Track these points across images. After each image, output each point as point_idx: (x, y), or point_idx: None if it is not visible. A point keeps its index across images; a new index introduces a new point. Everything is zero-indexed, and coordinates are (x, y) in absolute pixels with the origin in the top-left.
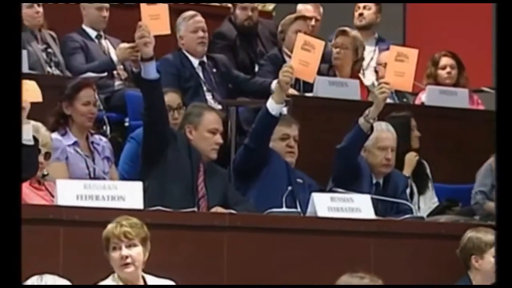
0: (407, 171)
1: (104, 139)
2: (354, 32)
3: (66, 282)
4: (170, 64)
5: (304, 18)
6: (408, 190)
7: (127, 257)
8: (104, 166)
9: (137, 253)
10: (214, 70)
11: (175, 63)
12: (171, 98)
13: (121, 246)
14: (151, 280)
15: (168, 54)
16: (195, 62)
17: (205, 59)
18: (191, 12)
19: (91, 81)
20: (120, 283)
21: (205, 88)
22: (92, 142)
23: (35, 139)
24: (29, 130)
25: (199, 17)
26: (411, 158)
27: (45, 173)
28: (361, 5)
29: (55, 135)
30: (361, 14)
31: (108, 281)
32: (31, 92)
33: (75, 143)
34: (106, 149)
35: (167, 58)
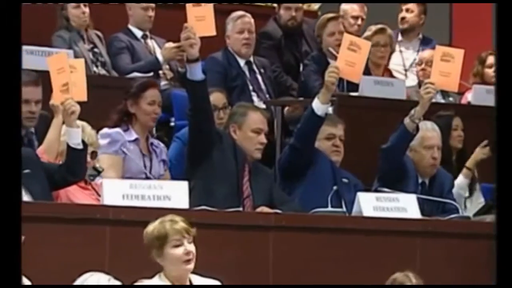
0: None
1: (161, 144)
2: (389, 30)
3: (116, 281)
4: (217, 62)
5: (336, 18)
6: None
7: (190, 252)
8: (160, 168)
9: (194, 249)
10: (262, 70)
11: (222, 62)
12: (217, 97)
13: (184, 242)
14: (197, 279)
15: (215, 53)
16: (241, 61)
17: (251, 59)
18: (240, 13)
19: (156, 81)
20: (167, 282)
21: (251, 88)
22: (151, 144)
23: (84, 143)
24: (78, 134)
25: (247, 18)
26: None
27: (100, 169)
28: (404, 7)
29: (117, 129)
30: (403, 18)
31: (155, 280)
32: (76, 91)
33: (136, 140)
34: (163, 152)
35: (214, 56)
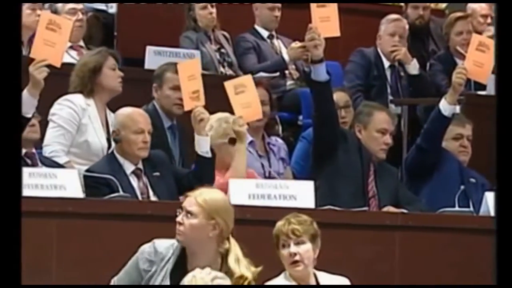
0: None
1: (280, 140)
2: None
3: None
4: (364, 57)
5: (465, 17)
6: None
7: (295, 254)
8: (279, 167)
9: (306, 250)
10: (403, 74)
11: (368, 59)
12: (339, 96)
13: (290, 244)
14: (324, 277)
15: (365, 48)
16: (386, 63)
17: (396, 64)
18: (395, 16)
19: (262, 80)
20: (292, 281)
21: (389, 91)
22: (268, 143)
23: (213, 151)
24: (207, 142)
25: (402, 23)
26: None
27: None
28: None
29: None
30: None
31: (280, 279)
32: (251, 111)
33: (251, 143)
34: (281, 150)
35: (362, 50)
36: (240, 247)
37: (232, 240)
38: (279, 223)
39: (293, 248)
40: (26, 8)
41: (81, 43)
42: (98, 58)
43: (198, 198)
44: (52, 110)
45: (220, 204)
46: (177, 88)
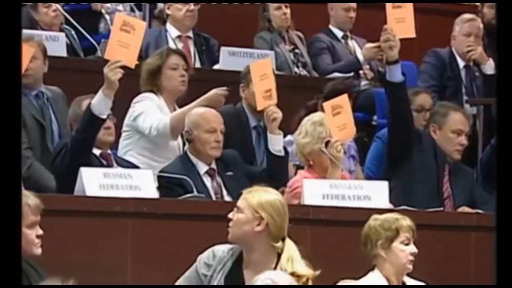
0: None
1: None
2: None
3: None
4: (439, 58)
5: None
6: None
7: (414, 254)
8: (350, 164)
9: None
10: (477, 74)
11: (443, 59)
12: (424, 99)
13: (411, 242)
14: (408, 280)
15: (439, 49)
16: (461, 63)
17: (471, 64)
18: (469, 16)
19: (349, 84)
20: (382, 279)
21: (464, 91)
22: None
23: (286, 150)
24: (280, 141)
25: (477, 22)
26: None
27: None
28: None
29: None
30: None
31: (369, 277)
32: (346, 132)
33: None
34: (351, 148)
35: (437, 51)
36: (298, 249)
37: (288, 241)
38: (398, 218)
39: (415, 248)
40: (41, 6)
41: (190, 33)
42: (156, 60)
43: (245, 194)
44: (132, 110)
45: (267, 199)
46: None
